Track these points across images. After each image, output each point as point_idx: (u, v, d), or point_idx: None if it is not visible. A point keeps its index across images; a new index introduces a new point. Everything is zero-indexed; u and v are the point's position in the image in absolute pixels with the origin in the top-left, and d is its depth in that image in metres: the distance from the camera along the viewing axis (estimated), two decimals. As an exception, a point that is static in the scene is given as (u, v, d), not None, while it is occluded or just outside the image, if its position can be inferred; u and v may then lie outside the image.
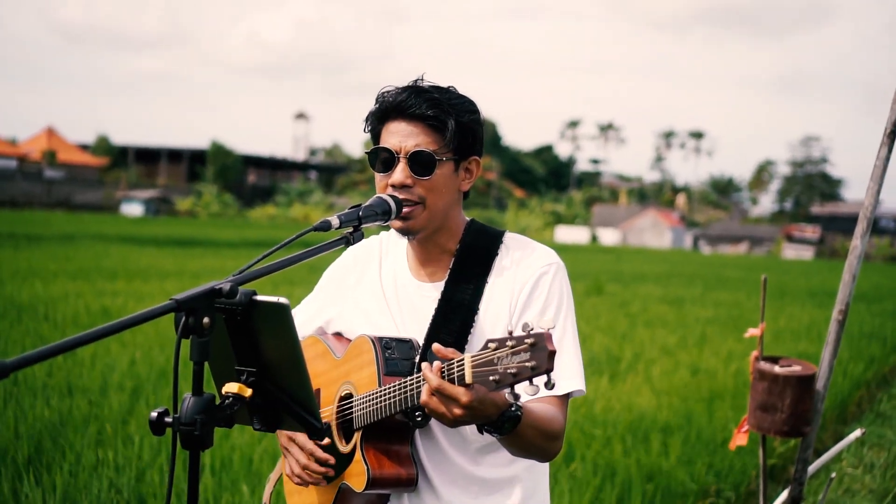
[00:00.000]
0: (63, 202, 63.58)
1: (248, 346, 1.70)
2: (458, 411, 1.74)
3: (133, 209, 65.60)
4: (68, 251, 21.96)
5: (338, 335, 2.28)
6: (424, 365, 1.79)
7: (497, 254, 2.13)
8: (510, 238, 2.17)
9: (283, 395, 1.73)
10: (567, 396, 2.02)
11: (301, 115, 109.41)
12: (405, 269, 2.19)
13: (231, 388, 1.67)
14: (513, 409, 1.79)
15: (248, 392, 1.68)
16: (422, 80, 2.08)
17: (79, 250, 22.72)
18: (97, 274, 16.30)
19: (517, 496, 2.10)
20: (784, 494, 3.30)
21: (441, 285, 2.12)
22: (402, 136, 2.03)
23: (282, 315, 1.66)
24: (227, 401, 1.66)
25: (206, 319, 1.56)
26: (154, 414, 1.57)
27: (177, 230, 39.61)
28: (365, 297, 2.22)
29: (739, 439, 3.36)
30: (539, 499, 2.15)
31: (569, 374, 2.00)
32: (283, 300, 1.66)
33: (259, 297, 1.65)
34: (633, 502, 5.05)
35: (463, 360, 1.72)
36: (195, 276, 17.26)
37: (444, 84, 2.10)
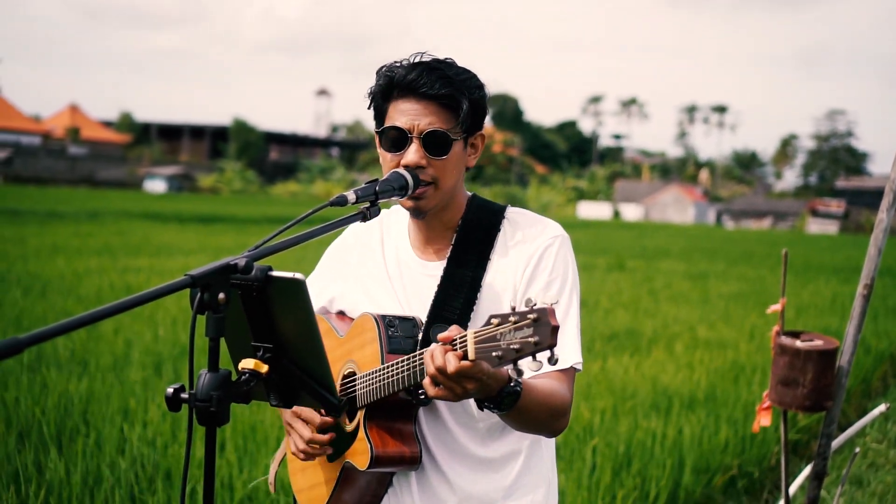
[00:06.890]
0: (86, 179, 64.07)
1: (264, 322, 1.69)
2: (466, 386, 1.69)
3: (156, 186, 66.02)
4: (92, 228, 22.14)
5: (340, 314, 2.23)
6: (432, 346, 1.72)
7: (500, 229, 2.07)
8: (513, 212, 2.11)
9: (300, 371, 1.72)
10: (571, 371, 1.98)
11: (323, 92, 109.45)
12: (407, 247, 2.13)
13: (247, 364, 1.66)
14: (512, 384, 1.76)
15: (265, 368, 1.67)
16: (420, 55, 2.00)
17: (102, 227, 22.89)
18: (121, 250, 16.42)
19: (520, 470, 2.07)
20: (807, 469, 3.27)
21: (444, 263, 2.06)
22: (413, 115, 1.95)
23: (298, 291, 1.64)
24: (243, 377, 1.65)
25: (221, 295, 1.54)
26: (170, 390, 1.56)
27: (199, 207, 39.79)
28: (368, 276, 2.16)
29: (763, 419, 3.32)
30: (543, 472, 2.12)
31: (570, 348, 1.96)
32: (298, 276, 1.64)
33: (275, 273, 1.63)
34: (656, 477, 5.03)
35: (465, 336, 1.68)
36: (218, 252, 17.33)
37: (457, 58, 2.03)
